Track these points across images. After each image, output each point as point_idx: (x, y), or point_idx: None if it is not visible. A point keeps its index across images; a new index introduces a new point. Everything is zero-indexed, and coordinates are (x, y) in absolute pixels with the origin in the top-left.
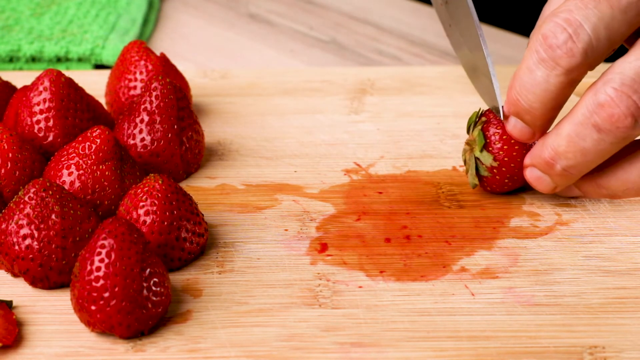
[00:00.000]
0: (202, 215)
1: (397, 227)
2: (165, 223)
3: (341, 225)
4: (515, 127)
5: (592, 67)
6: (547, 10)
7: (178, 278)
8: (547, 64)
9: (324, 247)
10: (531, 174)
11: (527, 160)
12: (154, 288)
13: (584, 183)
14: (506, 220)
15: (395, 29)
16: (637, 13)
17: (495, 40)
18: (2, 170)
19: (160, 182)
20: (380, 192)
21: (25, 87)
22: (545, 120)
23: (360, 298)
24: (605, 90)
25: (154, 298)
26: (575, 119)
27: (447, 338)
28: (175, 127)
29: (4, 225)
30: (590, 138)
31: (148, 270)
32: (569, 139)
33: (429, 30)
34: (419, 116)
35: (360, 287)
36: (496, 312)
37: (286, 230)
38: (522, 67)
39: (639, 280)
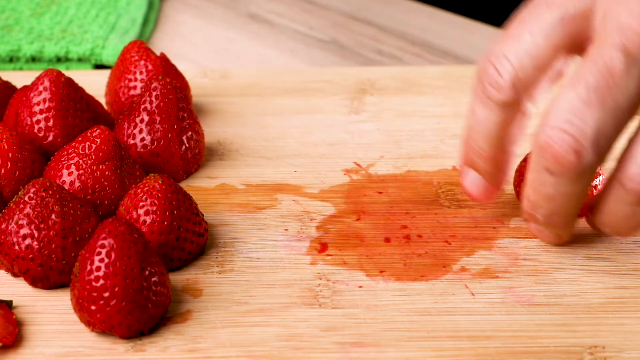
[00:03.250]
0: (202, 215)
1: (396, 227)
2: (165, 223)
3: (341, 225)
4: (472, 182)
5: (528, 93)
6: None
7: (178, 278)
8: (484, 102)
9: (324, 247)
10: (532, 228)
11: (523, 216)
12: (154, 288)
13: (595, 224)
14: (506, 220)
15: (395, 29)
16: (560, 36)
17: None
18: (2, 170)
19: (160, 182)
20: (380, 192)
21: (25, 87)
22: (496, 165)
23: (360, 298)
24: (543, 131)
25: (154, 298)
26: (532, 166)
27: (447, 338)
28: (175, 127)
29: (4, 225)
30: (549, 183)
31: (148, 270)
32: (533, 188)
33: (429, 30)
34: (419, 116)
35: (360, 287)
36: (496, 312)
37: (286, 230)
38: (469, 107)
39: (639, 280)
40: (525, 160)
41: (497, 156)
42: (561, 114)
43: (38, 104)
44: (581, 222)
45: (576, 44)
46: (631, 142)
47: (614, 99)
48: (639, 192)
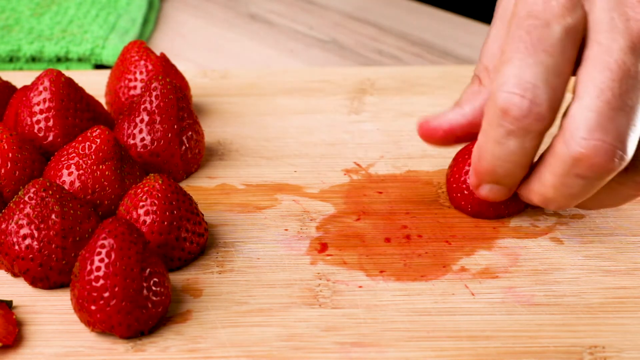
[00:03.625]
0: (202, 215)
1: (397, 227)
2: (165, 223)
3: (341, 225)
4: (491, 191)
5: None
6: (485, 52)
7: (178, 278)
8: (518, 134)
9: (324, 247)
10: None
11: (520, 195)
12: (154, 288)
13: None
14: (506, 220)
15: (395, 29)
16: (572, 46)
17: None
18: (2, 170)
19: (160, 182)
20: (380, 192)
21: (25, 87)
22: (524, 175)
23: (360, 298)
24: (576, 142)
25: (154, 298)
26: (556, 170)
27: (447, 338)
28: (175, 127)
29: (4, 225)
30: (577, 185)
31: (148, 270)
32: (555, 188)
33: (429, 30)
34: (419, 116)
35: (360, 287)
36: (496, 312)
37: (286, 230)
38: (489, 141)
39: (639, 280)
40: (455, 159)
41: (525, 173)
42: (592, 124)
43: (38, 104)
44: (580, 224)
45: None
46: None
47: (634, 98)
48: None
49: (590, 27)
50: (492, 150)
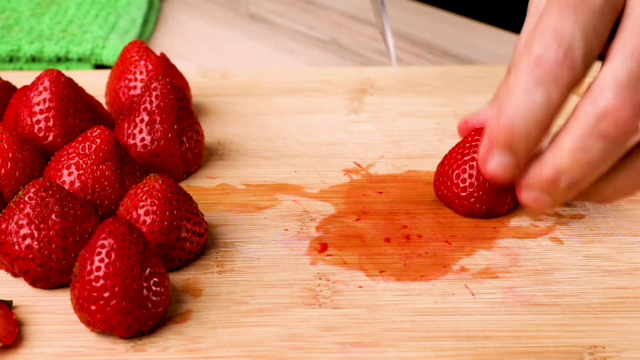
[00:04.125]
0: (202, 215)
1: (397, 227)
2: (165, 223)
3: (341, 225)
4: (500, 163)
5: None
6: (524, 33)
7: (178, 278)
8: (548, 84)
9: (324, 247)
10: (529, 196)
11: (523, 182)
12: (154, 288)
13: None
14: (506, 220)
15: (395, 29)
16: (611, 12)
17: (493, 40)
18: (2, 170)
19: (160, 182)
20: (380, 192)
21: (25, 87)
22: (534, 148)
23: (360, 298)
24: (605, 97)
25: (154, 298)
26: (577, 131)
27: (447, 338)
28: (175, 127)
29: (4, 225)
30: (596, 148)
31: (148, 270)
32: (573, 153)
33: (429, 30)
34: (419, 116)
35: (360, 287)
36: (496, 312)
37: (286, 230)
38: (515, 93)
39: (639, 280)
40: (442, 164)
41: (539, 140)
42: (623, 82)
43: (38, 104)
44: (580, 224)
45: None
46: None
47: None
48: None
49: (628, 2)
50: (515, 104)
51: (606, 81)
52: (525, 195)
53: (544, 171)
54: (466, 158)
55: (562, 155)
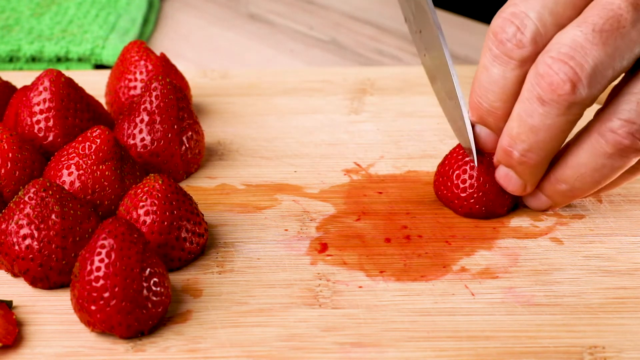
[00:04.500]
0: (202, 215)
1: (397, 227)
2: (165, 223)
3: (341, 225)
4: (485, 137)
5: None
6: None
7: (178, 278)
8: (501, 60)
9: (324, 247)
10: (499, 173)
11: (495, 158)
12: (154, 288)
13: (545, 184)
14: (506, 220)
15: (395, 29)
16: None
17: None
18: (2, 170)
19: (160, 182)
20: (380, 192)
21: (25, 87)
22: (504, 119)
23: (360, 298)
24: (543, 61)
25: (154, 298)
26: (522, 96)
27: (447, 338)
28: (175, 127)
29: (4, 225)
30: (537, 113)
31: (148, 270)
32: (519, 118)
33: None
34: (419, 116)
35: (360, 287)
36: (496, 312)
37: (286, 230)
38: (479, 67)
39: (639, 280)
40: (443, 164)
41: (508, 112)
42: (563, 47)
43: (38, 104)
44: (580, 224)
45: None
46: (613, 98)
47: (616, 45)
48: (618, 143)
49: None
50: (479, 79)
51: (550, 46)
52: (497, 173)
53: (502, 141)
54: (467, 159)
55: (512, 123)
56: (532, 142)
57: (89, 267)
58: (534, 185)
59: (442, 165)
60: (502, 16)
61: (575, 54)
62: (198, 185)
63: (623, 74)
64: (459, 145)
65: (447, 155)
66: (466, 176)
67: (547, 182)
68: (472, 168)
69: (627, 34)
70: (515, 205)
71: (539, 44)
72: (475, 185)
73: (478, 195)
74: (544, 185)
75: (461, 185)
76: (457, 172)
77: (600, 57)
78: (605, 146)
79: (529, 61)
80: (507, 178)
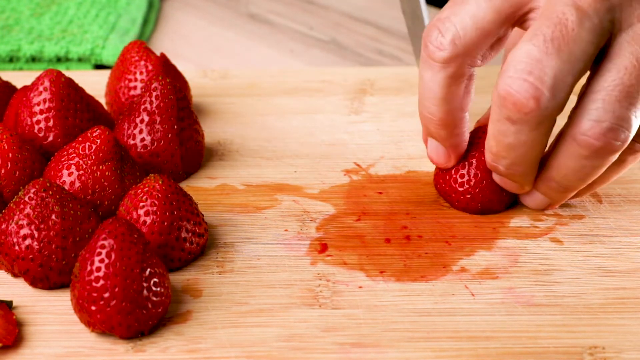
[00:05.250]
0: (202, 215)
1: (397, 228)
2: (165, 223)
3: (341, 226)
4: (432, 149)
5: (471, 59)
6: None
7: (178, 278)
8: (428, 64)
9: (324, 247)
10: (495, 177)
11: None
12: (154, 288)
13: (539, 184)
14: (506, 220)
15: (395, 29)
16: (503, 3)
17: None
18: (2, 170)
19: (160, 182)
20: (380, 193)
21: (25, 87)
22: (448, 129)
23: (360, 298)
24: (503, 82)
25: (154, 298)
26: (493, 117)
27: (447, 338)
28: (175, 127)
29: (4, 226)
30: (510, 132)
31: (148, 270)
32: (495, 138)
33: None
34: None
35: (360, 287)
36: (496, 312)
37: (286, 230)
38: (419, 78)
39: (639, 281)
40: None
41: (447, 120)
42: (519, 64)
43: (38, 104)
44: (580, 224)
45: (517, 13)
46: (580, 99)
47: (570, 49)
48: (591, 145)
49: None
50: (418, 87)
51: (507, 65)
52: (495, 178)
53: (487, 156)
54: (467, 155)
55: (490, 141)
56: (513, 157)
57: (89, 268)
58: (531, 183)
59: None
60: (430, 23)
61: (533, 68)
62: (198, 185)
63: (587, 74)
64: None
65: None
66: (465, 171)
67: (539, 181)
68: (471, 164)
69: (578, 36)
70: (514, 202)
71: (458, 46)
72: (473, 181)
73: (475, 191)
74: (537, 183)
75: (459, 180)
76: (456, 167)
77: (557, 65)
78: (579, 149)
79: (450, 63)
80: (503, 182)
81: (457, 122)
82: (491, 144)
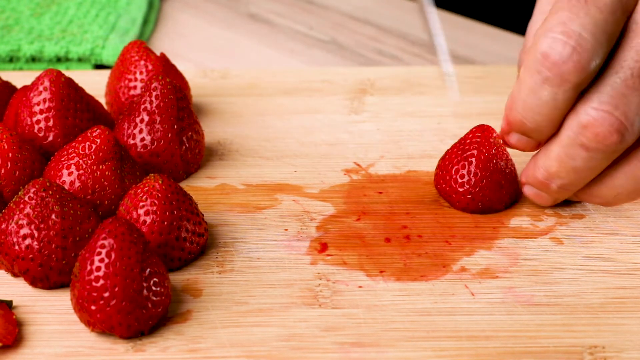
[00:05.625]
0: (202, 215)
1: (397, 227)
2: (165, 223)
3: (341, 225)
4: (520, 141)
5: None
6: (532, 28)
7: (178, 278)
8: (554, 82)
9: (324, 247)
10: (529, 191)
11: (523, 178)
12: (154, 288)
13: (579, 193)
14: (506, 220)
15: (395, 29)
16: (622, 12)
17: (493, 40)
18: (2, 170)
19: (160, 182)
20: (380, 192)
21: (25, 87)
22: (552, 133)
23: (360, 298)
24: (586, 112)
25: (154, 298)
26: (563, 141)
27: (447, 338)
28: (175, 127)
29: (4, 225)
30: (579, 157)
31: (148, 270)
32: (559, 160)
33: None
34: (419, 116)
35: (360, 287)
36: (496, 312)
37: (286, 230)
38: (523, 88)
39: (639, 280)
40: (443, 158)
41: (550, 126)
42: (604, 96)
43: (38, 104)
44: (580, 224)
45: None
46: None
47: None
48: None
49: (637, 8)
50: (524, 100)
51: (591, 94)
52: (526, 190)
53: (537, 173)
54: (466, 154)
55: (550, 162)
56: (572, 179)
57: (89, 267)
58: (563, 199)
59: (442, 159)
60: (552, 36)
61: (619, 103)
62: (198, 185)
63: None
64: (459, 141)
65: (448, 150)
66: (465, 171)
67: (582, 194)
68: (471, 164)
69: None
70: (514, 202)
71: (597, 64)
72: (473, 181)
73: (475, 190)
74: (578, 195)
75: (459, 180)
76: (456, 167)
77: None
78: None
79: (585, 82)
80: (538, 196)
81: (556, 125)
82: (551, 164)
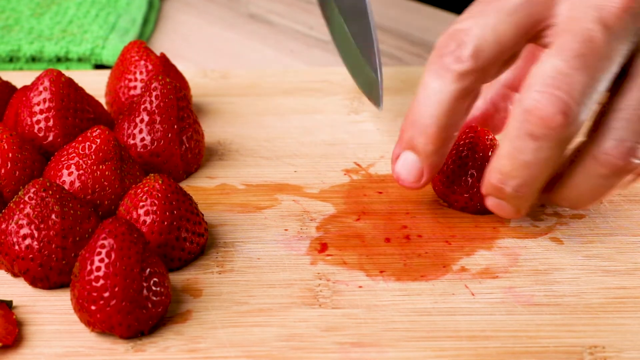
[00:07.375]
0: (202, 215)
1: (397, 227)
2: (165, 223)
3: (341, 225)
4: (404, 164)
5: (485, 75)
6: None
7: (178, 278)
8: (439, 73)
9: (324, 247)
10: (490, 203)
11: (483, 189)
12: (154, 288)
13: (542, 197)
14: (506, 220)
15: (395, 29)
16: (524, 17)
17: None
18: (2, 170)
19: (160, 182)
20: (380, 192)
21: (25, 87)
22: (438, 145)
23: (360, 298)
24: (529, 96)
25: (154, 298)
26: (510, 134)
27: (447, 338)
28: (175, 127)
29: (4, 225)
30: (529, 149)
31: (148, 270)
32: (510, 156)
33: (429, 30)
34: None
35: (360, 287)
36: (496, 312)
37: (286, 230)
38: (419, 86)
39: (639, 280)
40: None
41: (440, 135)
42: (547, 78)
43: (38, 104)
44: (580, 224)
45: (536, 28)
46: (602, 117)
47: (596, 66)
48: (613, 165)
49: (559, 7)
50: (417, 95)
51: (532, 79)
52: (488, 203)
53: (491, 177)
54: (462, 155)
55: (502, 160)
56: (526, 177)
57: (89, 267)
58: (528, 208)
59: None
60: (446, 33)
61: (561, 83)
62: (198, 185)
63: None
64: (456, 142)
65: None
66: (461, 173)
67: (548, 199)
68: (467, 165)
69: (604, 53)
70: None
71: (479, 61)
72: (470, 181)
73: (472, 191)
74: (545, 200)
75: (456, 182)
76: (452, 167)
77: (585, 81)
78: (600, 168)
79: (467, 77)
80: (499, 207)
81: (447, 140)
82: (503, 163)
